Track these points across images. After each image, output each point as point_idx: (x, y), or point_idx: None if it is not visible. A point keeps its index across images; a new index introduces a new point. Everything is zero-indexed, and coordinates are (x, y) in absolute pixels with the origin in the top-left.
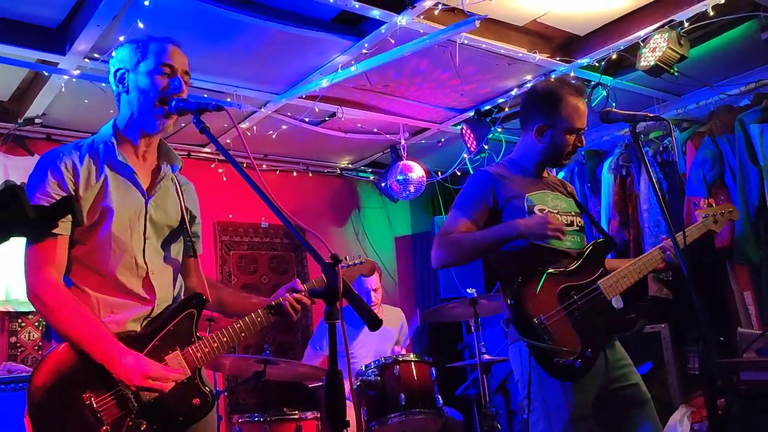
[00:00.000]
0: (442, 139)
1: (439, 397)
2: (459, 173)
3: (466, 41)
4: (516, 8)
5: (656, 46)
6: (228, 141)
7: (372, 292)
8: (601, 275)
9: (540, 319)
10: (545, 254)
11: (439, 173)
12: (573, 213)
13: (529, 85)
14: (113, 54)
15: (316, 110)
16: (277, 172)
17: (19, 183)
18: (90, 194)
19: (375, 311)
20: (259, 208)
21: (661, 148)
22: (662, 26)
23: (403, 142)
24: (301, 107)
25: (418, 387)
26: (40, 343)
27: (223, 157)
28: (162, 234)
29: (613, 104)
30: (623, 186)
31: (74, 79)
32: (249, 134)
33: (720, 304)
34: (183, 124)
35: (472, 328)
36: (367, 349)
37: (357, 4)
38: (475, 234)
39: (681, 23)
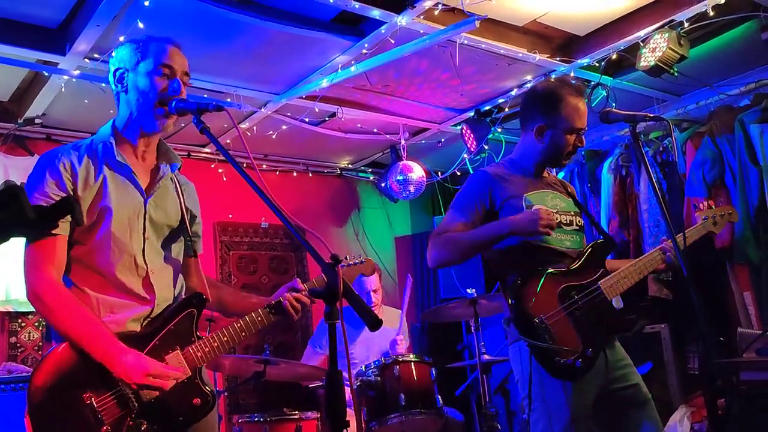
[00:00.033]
0: (442, 139)
1: (439, 397)
2: (459, 173)
3: (466, 41)
4: (516, 8)
5: (656, 46)
6: (228, 141)
7: (372, 293)
8: (601, 275)
9: (541, 318)
10: (544, 254)
11: (439, 173)
12: (573, 213)
13: (529, 85)
14: (113, 53)
15: (316, 110)
16: (277, 173)
17: (19, 183)
18: (88, 194)
19: (375, 312)
20: (259, 208)
21: (661, 149)
22: (662, 26)
23: (403, 142)
24: (301, 107)
25: (418, 387)
26: (40, 344)
27: (223, 157)
28: (162, 234)
29: (613, 104)
30: (623, 186)
31: (74, 80)
32: (249, 134)
33: (720, 304)
34: (183, 124)
35: (472, 328)
36: (366, 350)
37: (357, 5)
38: (469, 233)
39: (681, 23)
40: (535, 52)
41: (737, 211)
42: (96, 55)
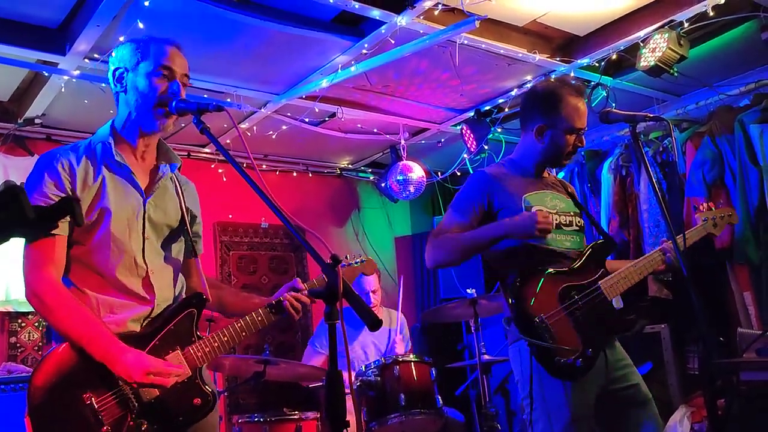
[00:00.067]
0: (442, 140)
1: (439, 397)
2: (459, 173)
3: (465, 41)
4: (516, 8)
5: (656, 47)
6: (228, 141)
7: (371, 294)
8: (601, 276)
9: (541, 318)
10: (544, 255)
11: (439, 173)
12: (572, 213)
13: (529, 85)
14: (113, 53)
15: (316, 110)
16: (277, 173)
17: (18, 183)
18: (87, 195)
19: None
20: (259, 209)
21: (660, 149)
22: (662, 26)
23: (402, 142)
24: (301, 107)
25: (418, 387)
26: (40, 344)
27: (223, 158)
28: (162, 234)
29: (613, 104)
30: (623, 186)
31: (74, 80)
32: (249, 134)
33: (720, 304)
34: (183, 124)
35: (472, 328)
36: (365, 350)
37: (357, 5)
38: (467, 234)
39: (681, 23)
40: (535, 53)
41: (737, 212)
42: (96, 56)
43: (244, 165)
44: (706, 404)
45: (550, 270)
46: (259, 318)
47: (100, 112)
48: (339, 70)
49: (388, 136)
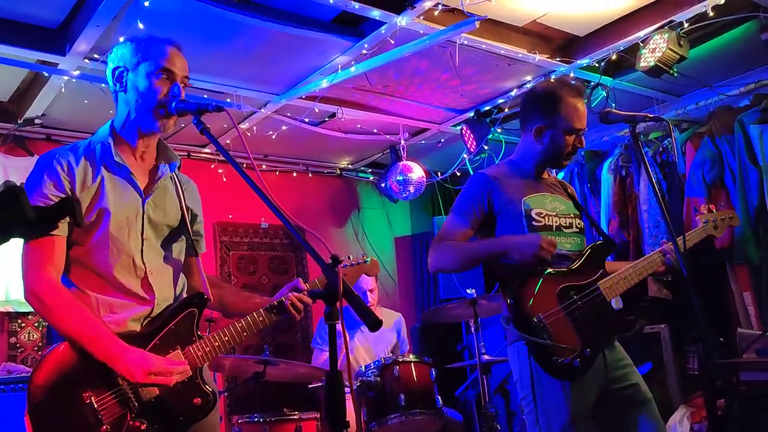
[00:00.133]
0: (442, 140)
1: (439, 397)
2: (459, 174)
3: (465, 42)
4: (516, 9)
5: (656, 47)
6: (228, 141)
7: (368, 293)
8: (600, 276)
9: (539, 318)
10: None
11: (439, 174)
12: (572, 215)
13: (529, 85)
14: (113, 51)
15: (316, 111)
16: (277, 173)
17: (18, 184)
18: (86, 195)
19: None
20: (258, 209)
21: (660, 149)
22: (662, 27)
23: (402, 142)
24: (301, 108)
25: (417, 388)
26: (40, 344)
27: (222, 158)
28: (161, 234)
29: (613, 105)
30: (623, 186)
31: (74, 80)
32: (249, 135)
33: (720, 304)
34: (183, 125)
35: (472, 328)
36: (362, 350)
37: (357, 5)
38: (468, 245)
39: (681, 24)
40: (535, 53)
41: (737, 212)
42: (96, 56)
43: (244, 165)
44: (706, 404)
45: (549, 270)
46: (260, 318)
47: (100, 112)
48: (339, 71)
49: (388, 136)
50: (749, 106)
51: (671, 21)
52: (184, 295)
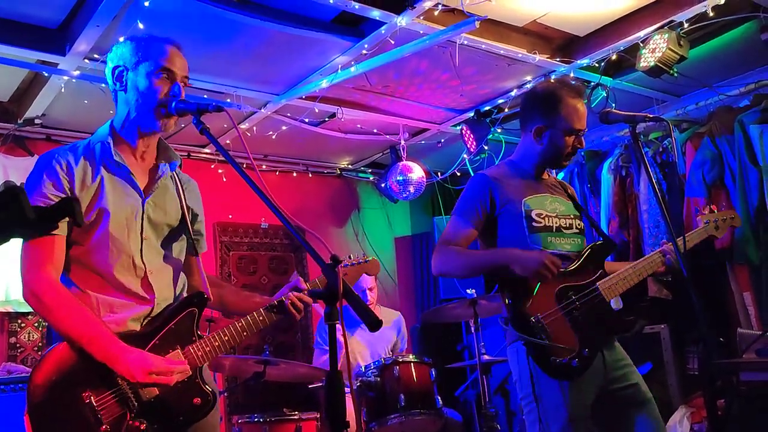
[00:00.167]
0: (442, 140)
1: (439, 397)
2: (459, 174)
3: (465, 42)
4: (516, 9)
5: (656, 47)
6: (228, 141)
7: (367, 291)
8: (600, 277)
9: (537, 318)
10: None
11: (439, 174)
12: (572, 216)
13: (529, 85)
14: (112, 50)
15: (316, 111)
16: (277, 173)
17: (18, 184)
18: (86, 195)
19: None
20: (258, 209)
21: (660, 149)
22: (662, 27)
23: (402, 142)
24: (301, 108)
25: (417, 388)
26: (40, 344)
27: (222, 158)
28: (161, 233)
29: (613, 105)
30: (623, 187)
31: (74, 80)
32: (249, 135)
33: (720, 304)
34: (183, 125)
35: (472, 328)
36: (361, 349)
37: (357, 5)
38: (473, 255)
39: (681, 24)
40: (535, 53)
41: (737, 212)
42: (96, 56)
43: (244, 165)
44: (706, 405)
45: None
46: (261, 318)
47: (100, 112)
48: (339, 71)
49: (387, 136)
50: (749, 106)
51: (671, 21)
52: (185, 294)
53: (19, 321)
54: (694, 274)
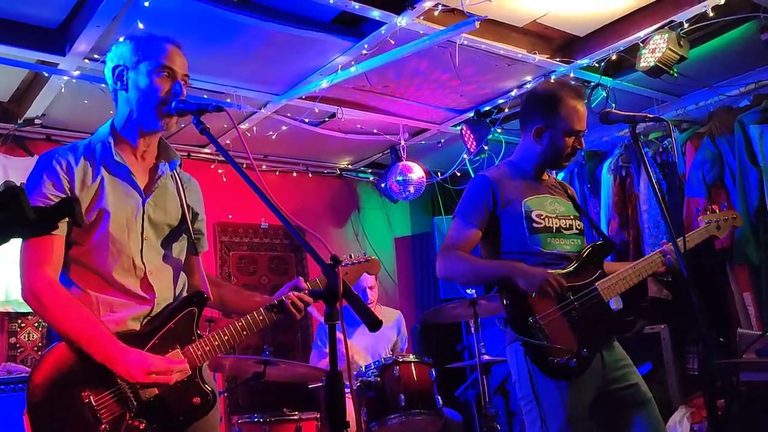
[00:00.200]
0: (442, 140)
1: (439, 397)
2: (459, 174)
3: (465, 42)
4: (516, 9)
5: (656, 47)
6: (228, 141)
7: (368, 290)
8: (599, 277)
9: (535, 318)
10: (544, 258)
11: (439, 174)
12: (572, 216)
13: (529, 85)
14: (111, 50)
15: (316, 111)
16: (277, 173)
17: (18, 184)
18: (86, 195)
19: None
20: (258, 209)
21: (660, 149)
22: (662, 27)
23: (402, 142)
24: (301, 108)
25: (417, 388)
26: (40, 344)
27: (222, 158)
28: (162, 233)
29: (613, 105)
30: (623, 187)
31: (74, 80)
32: (249, 135)
33: (720, 305)
34: (183, 125)
35: (472, 328)
36: (362, 349)
37: (357, 5)
38: (478, 265)
39: (681, 24)
40: (535, 53)
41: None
42: (96, 56)
43: (244, 165)
44: (706, 405)
45: (548, 272)
46: (261, 317)
47: (100, 112)
48: (339, 71)
49: (387, 136)
50: (749, 107)
51: (671, 21)
52: (185, 294)
53: (19, 321)
54: (694, 274)
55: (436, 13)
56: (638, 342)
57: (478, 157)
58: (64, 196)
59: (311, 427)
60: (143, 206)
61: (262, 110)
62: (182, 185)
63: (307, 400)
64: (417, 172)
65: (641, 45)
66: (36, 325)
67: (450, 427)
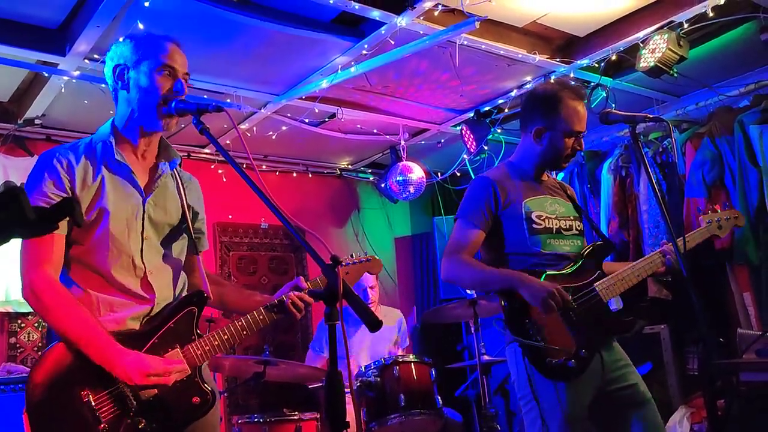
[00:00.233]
0: (442, 140)
1: (439, 397)
2: (459, 174)
3: (465, 42)
4: (516, 9)
5: (656, 47)
6: (228, 142)
7: (369, 290)
8: (598, 278)
9: (532, 319)
10: (544, 259)
11: (439, 174)
12: (572, 217)
13: (528, 86)
14: (111, 49)
15: (316, 111)
16: (277, 173)
17: (18, 184)
18: (87, 194)
19: (373, 310)
20: (258, 209)
21: (660, 149)
22: (662, 27)
23: (402, 142)
24: (301, 108)
25: (417, 388)
26: (40, 344)
27: (222, 158)
28: (162, 232)
29: (613, 105)
30: (623, 187)
31: (74, 80)
32: (249, 135)
33: (720, 305)
34: (183, 125)
35: (472, 328)
36: (363, 349)
37: (357, 5)
38: (483, 273)
39: (680, 24)
40: (534, 53)
41: None
42: (96, 56)
43: (244, 165)
44: (706, 405)
45: (547, 272)
46: (261, 317)
47: (100, 112)
48: (339, 71)
49: (387, 136)
50: (749, 107)
51: (671, 21)
52: (185, 293)
53: (19, 321)
54: (694, 274)
55: (436, 13)
56: (638, 342)
57: (478, 158)
58: (65, 195)
59: (311, 428)
60: (144, 206)
61: (262, 110)
62: (182, 184)
63: (307, 400)
64: (417, 172)
65: (641, 45)
66: (36, 325)
67: (450, 427)
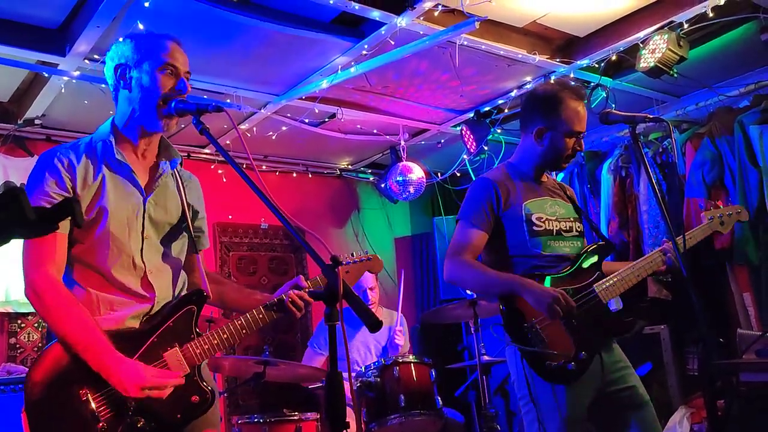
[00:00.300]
0: (442, 140)
1: (439, 398)
2: (459, 174)
3: (465, 42)
4: (516, 9)
5: (656, 48)
6: (228, 142)
7: (369, 291)
8: (597, 279)
9: (531, 323)
10: (544, 260)
11: (439, 174)
12: (572, 218)
13: (528, 86)
14: (111, 49)
15: (316, 111)
16: (277, 173)
17: (18, 184)
18: (87, 194)
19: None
20: (258, 209)
21: (660, 150)
22: (662, 27)
23: (402, 143)
24: (301, 108)
25: (417, 388)
26: (40, 344)
27: (222, 158)
28: (162, 232)
29: (613, 105)
30: (623, 187)
31: (74, 80)
32: (249, 135)
33: (719, 305)
34: (183, 125)
35: (472, 329)
36: (363, 350)
37: (357, 6)
38: (488, 276)
39: (680, 24)
40: (535, 53)
41: None
42: (96, 56)
43: (244, 166)
44: (706, 405)
45: (547, 275)
46: (260, 316)
47: (100, 112)
48: (339, 71)
49: (387, 136)
50: (749, 107)
51: (671, 21)
52: (185, 292)
53: (19, 321)
54: (694, 274)
55: (436, 13)
56: (638, 342)
57: (478, 158)
58: (66, 194)
59: (311, 428)
60: (144, 205)
61: (262, 110)
62: (182, 183)
63: (307, 400)
64: (417, 173)
65: (641, 45)
66: (36, 325)
67: (450, 427)
